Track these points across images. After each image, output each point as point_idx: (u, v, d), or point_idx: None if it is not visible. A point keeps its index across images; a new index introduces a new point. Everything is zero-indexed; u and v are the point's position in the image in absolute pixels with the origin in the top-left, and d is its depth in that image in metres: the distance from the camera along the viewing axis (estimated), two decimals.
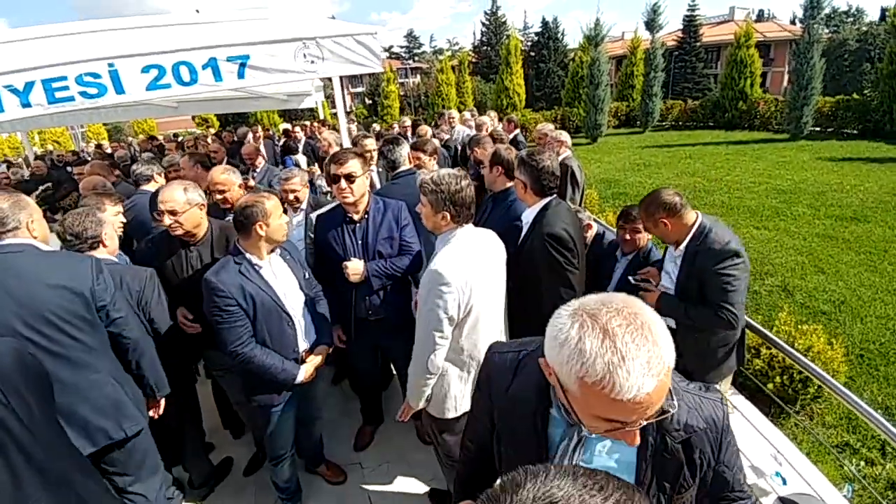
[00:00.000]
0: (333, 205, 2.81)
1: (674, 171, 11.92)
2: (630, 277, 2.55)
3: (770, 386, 3.37)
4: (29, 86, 3.39)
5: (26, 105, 3.42)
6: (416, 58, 45.06)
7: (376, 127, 9.31)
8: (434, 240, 2.06)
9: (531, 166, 2.34)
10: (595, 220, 3.42)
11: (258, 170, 5.39)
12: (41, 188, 7.02)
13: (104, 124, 25.30)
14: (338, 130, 4.67)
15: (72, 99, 3.48)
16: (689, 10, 31.65)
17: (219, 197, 3.29)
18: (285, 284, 2.30)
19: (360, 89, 44.23)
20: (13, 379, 1.37)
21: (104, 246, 2.33)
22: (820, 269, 6.13)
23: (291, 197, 3.34)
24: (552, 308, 0.84)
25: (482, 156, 4.52)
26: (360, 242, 2.60)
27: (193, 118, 23.34)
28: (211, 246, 2.54)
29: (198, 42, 3.62)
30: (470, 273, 1.79)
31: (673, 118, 20.45)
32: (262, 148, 8.08)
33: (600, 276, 3.08)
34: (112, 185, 4.41)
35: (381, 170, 4.27)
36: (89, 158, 10.65)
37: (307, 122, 13.88)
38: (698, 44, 31.48)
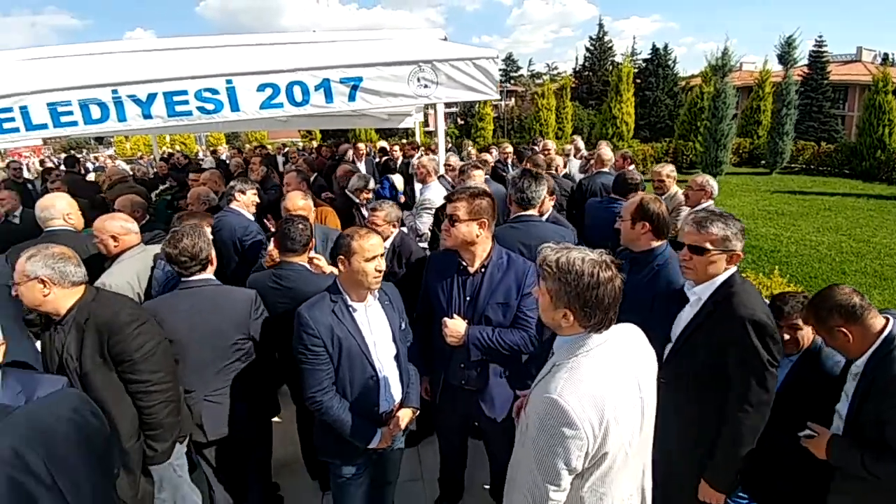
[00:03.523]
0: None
1: (813, 224, 10.21)
2: (800, 434, 1.91)
3: None
4: (151, 97, 3.42)
5: (147, 116, 3.46)
6: (513, 81, 45.01)
7: (471, 150, 8.96)
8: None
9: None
10: None
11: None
12: (161, 187, 7.58)
13: None
14: (435, 152, 4.41)
15: (190, 114, 3.48)
16: (816, 45, 28.14)
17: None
18: (378, 333, 2.07)
19: (453, 109, 45.07)
20: (64, 451, 1.20)
21: (212, 265, 2.33)
22: None
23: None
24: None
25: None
26: (468, 299, 2.19)
27: (299, 130, 24.89)
28: (77, 331, 1.90)
29: (313, 62, 3.48)
30: (608, 407, 1.25)
31: (804, 161, 18.01)
32: (361, 166, 8.15)
33: None
34: (215, 196, 4.46)
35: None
36: (202, 163, 11.58)
37: (403, 141, 14.12)
38: (826, 82, 27.82)
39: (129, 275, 2.63)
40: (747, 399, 1.72)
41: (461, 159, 6.62)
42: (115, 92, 3.32)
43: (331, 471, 2.23)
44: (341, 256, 1.94)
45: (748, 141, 18.88)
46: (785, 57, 16.43)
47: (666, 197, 4.32)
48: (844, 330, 1.71)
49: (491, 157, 7.20)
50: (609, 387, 1.27)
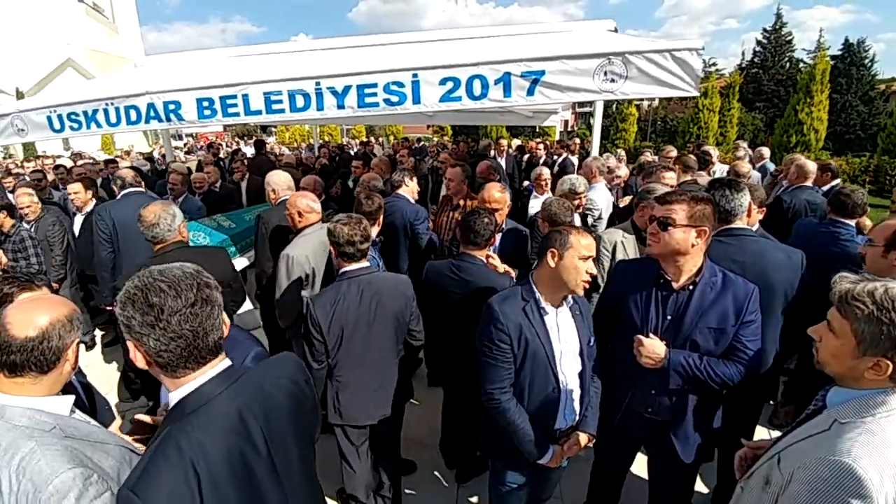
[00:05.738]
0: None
1: None
2: None
3: None
4: (346, 89, 3.68)
5: (341, 107, 3.73)
6: None
7: (621, 152, 8.33)
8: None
9: None
10: None
11: None
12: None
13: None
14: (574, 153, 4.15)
15: (377, 105, 3.67)
16: None
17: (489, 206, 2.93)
18: (566, 343, 1.91)
19: (586, 108, 42.65)
20: (278, 420, 1.18)
21: (364, 257, 2.34)
22: None
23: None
24: None
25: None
26: (668, 318, 1.91)
27: (428, 127, 25.14)
28: None
29: (496, 55, 3.43)
30: None
31: None
32: (502, 161, 8.10)
33: None
34: (380, 183, 4.73)
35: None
36: (352, 153, 12.62)
37: (537, 139, 13.78)
38: None
39: (307, 249, 2.83)
40: None
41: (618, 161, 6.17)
42: (317, 84, 3.65)
43: (493, 475, 2.16)
44: (553, 250, 1.80)
45: None
46: None
47: None
48: None
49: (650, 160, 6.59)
50: None
